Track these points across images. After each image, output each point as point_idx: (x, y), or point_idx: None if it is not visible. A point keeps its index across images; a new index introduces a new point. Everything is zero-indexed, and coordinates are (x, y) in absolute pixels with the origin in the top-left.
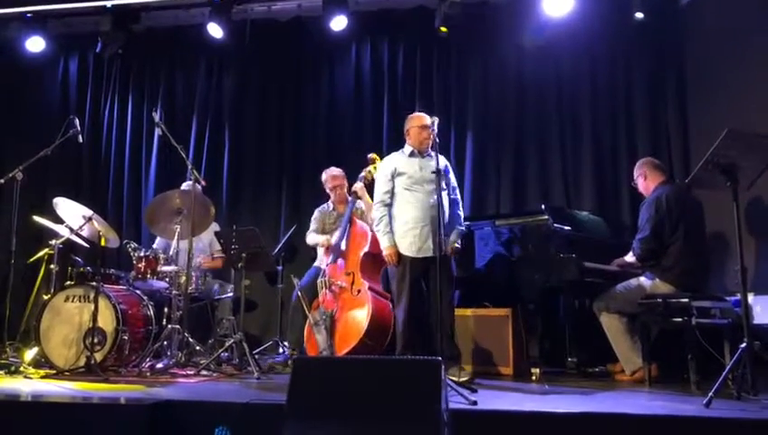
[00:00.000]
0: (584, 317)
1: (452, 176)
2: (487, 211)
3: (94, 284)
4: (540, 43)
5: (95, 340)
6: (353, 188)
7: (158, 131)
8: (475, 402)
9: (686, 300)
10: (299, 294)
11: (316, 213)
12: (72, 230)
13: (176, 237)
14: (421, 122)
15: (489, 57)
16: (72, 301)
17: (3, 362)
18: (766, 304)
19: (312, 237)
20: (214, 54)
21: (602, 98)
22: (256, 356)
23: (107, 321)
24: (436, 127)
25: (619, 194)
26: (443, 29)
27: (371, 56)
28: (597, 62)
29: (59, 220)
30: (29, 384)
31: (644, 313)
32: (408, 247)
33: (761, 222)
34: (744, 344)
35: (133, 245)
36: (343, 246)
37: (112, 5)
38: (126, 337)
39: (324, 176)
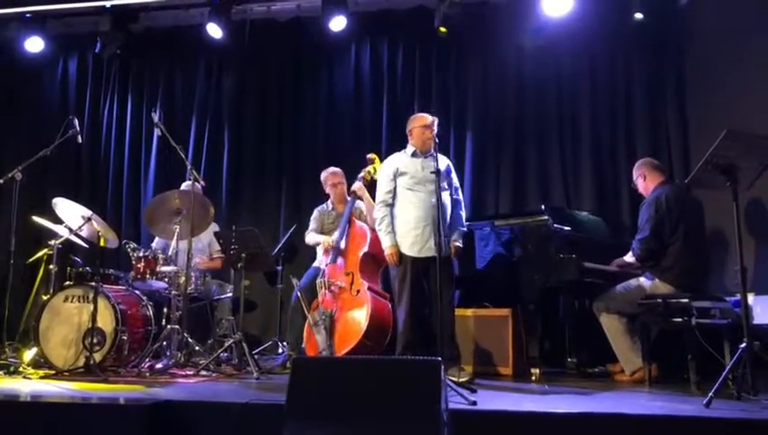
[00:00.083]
0: (584, 317)
1: (454, 176)
2: (487, 211)
3: (93, 284)
4: (539, 43)
5: (94, 340)
6: (353, 188)
7: (157, 132)
8: (474, 403)
9: (685, 300)
10: (298, 294)
11: (315, 213)
12: (71, 230)
13: (175, 238)
14: (424, 122)
15: (488, 57)
16: (72, 301)
17: (2, 362)
18: (766, 305)
19: (311, 237)
20: (213, 55)
21: (602, 98)
22: (256, 356)
23: (106, 321)
24: (435, 127)
25: (618, 194)
26: (442, 29)
27: (371, 56)
28: (596, 62)
29: (58, 220)
30: (28, 384)
31: (644, 313)
32: (409, 247)
33: (760, 222)
34: (743, 344)
35: (132, 245)
36: (342, 246)
37: (111, 6)
38: (125, 337)
39: (323, 175)
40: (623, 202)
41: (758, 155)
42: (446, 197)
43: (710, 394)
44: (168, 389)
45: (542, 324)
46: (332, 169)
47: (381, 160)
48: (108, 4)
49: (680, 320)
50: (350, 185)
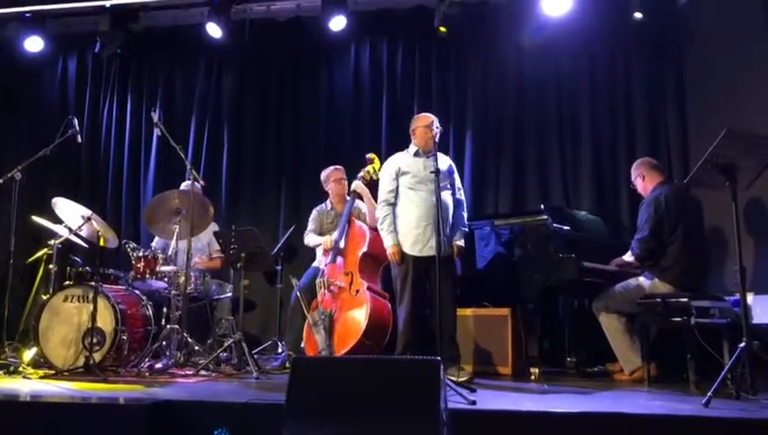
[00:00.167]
0: (583, 317)
1: (456, 177)
2: (486, 211)
3: (93, 284)
4: (539, 42)
5: (94, 340)
6: (353, 187)
7: (156, 131)
8: (474, 402)
9: (685, 300)
10: (298, 294)
11: (314, 213)
12: (70, 230)
13: (174, 237)
14: (427, 122)
15: (488, 57)
16: (71, 301)
17: (2, 362)
18: (765, 304)
19: (310, 238)
20: (213, 54)
21: (601, 98)
22: (255, 356)
23: (106, 321)
24: (434, 127)
25: (617, 194)
26: (442, 29)
27: (370, 56)
28: (596, 61)
29: (58, 220)
30: (28, 384)
31: (643, 312)
32: (410, 246)
33: (760, 222)
34: (742, 344)
35: (132, 245)
36: (342, 246)
37: (111, 5)
38: (125, 337)
39: (324, 173)
40: (622, 202)
41: (757, 154)
42: (448, 196)
43: (709, 394)
44: (168, 389)
45: (541, 324)
46: (334, 166)
47: (381, 160)
48: (107, 4)
49: (679, 319)
50: (349, 185)
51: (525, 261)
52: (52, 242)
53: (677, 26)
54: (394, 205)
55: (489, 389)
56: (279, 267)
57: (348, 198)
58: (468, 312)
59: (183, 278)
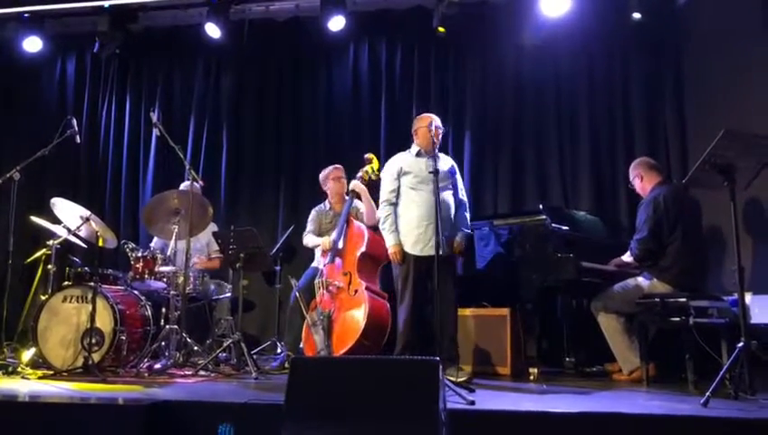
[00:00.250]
0: (582, 317)
1: (458, 177)
2: (485, 211)
3: (92, 284)
4: (537, 43)
5: (93, 340)
6: (351, 187)
7: (155, 132)
8: (472, 402)
9: (683, 300)
10: (297, 295)
11: (313, 213)
12: (69, 231)
13: (173, 238)
14: (426, 122)
15: (487, 57)
16: (70, 301)
17: (0, 362)
18: (764, 304)
19: (309, 239)
20: (212, 54)
21: (600, 98)
22: (254, 356)
23: (105, 321)
24: (433, 127)
25: (616, 194)
26: (441, 29)
27: (369, 56)
28: (594, 62)
29: (56, 221)
30: (27, 385)
31: (642, 312)
32: (412, 246)
33: (758, 222)
34: (741, 344)
35: (131, 245)
36: (340, 246)
37: (110, 5)
38: (124, 337)
39: (323, 173)
40: (621, 202)
41: (756, 154)
42: (449, 197)
43: (707, 394)
44: (167, 389)
45: (540, 324)
46: (333, 165)
47: (379, 160)
48: (106, 4)
49: (678, 319)
50: (348, 185)
51: (524, 261)
52: (50, 242)
53: (676, 26)
54: (396, 205)
55: (488, 389)
56: (278, 268)
57: (346, 197)
58: (467, 312)
59: (182, 278)
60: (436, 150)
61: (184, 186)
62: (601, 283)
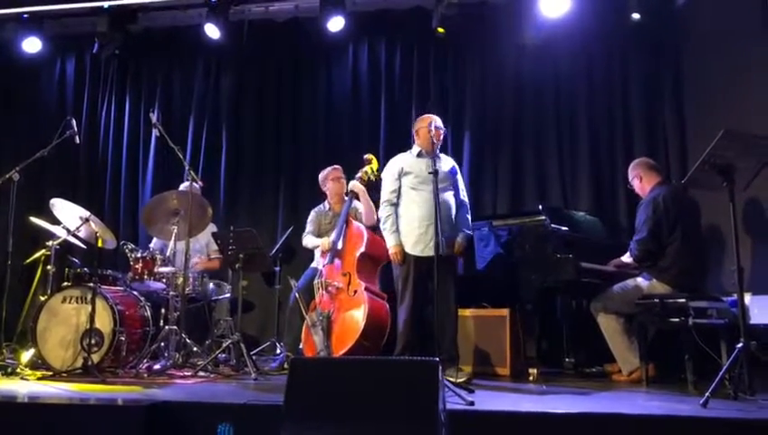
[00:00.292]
0: (581, 317)
1: (460, 178)
2: (485, 212)
3: (91, 285)
4: (537, 43)
5: (92, 341)
6: (350, 187)
7: (155, 132)
8: (472, 403)
9: (683, 300)
10: (296, 296)
11: (312, 214)
12: (68, 231)
13: (173, 238)
14: (426, 123)
15: (486, 58)
16: (69, 302)
17: (0, 363)
18: (763, 305)
19: (308, 240)
20: (211, 55)
21: (599, 98)
22: (254, 357)
23: (104, 322)
24: (433, 128)
25: (615, 194)
26: (440, 29)
27: (369, 57)
28: (594, 62)
29: (56, 221)
30: (26, 386)
31: (641, 313)
32: (412, 246)
33: (757, 222)
34: (740, 344)
35: (130, 246)
36: (339, 247)
37: (109, 6)
38: (123, 338)
39: (322, 173)
40: (620, 202)
41: (755, 155)
42: (450, 197)
43: (707, 394)
44: (166, 390)
45: (539, 325)
46: (332, 166)
47: (379, 160)
48: (105, 5)
49: (677, 320)
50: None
51: (524, 262)
52: (50, 243)
53: (675, 27)
54: (396, 205)
55: (487, 389)
56: (277, 268)
57: (346, 198)
58: (467, 312)
59: (181, 279)
60: (437, 151)
61: (183, 186)
62: (601, 283)
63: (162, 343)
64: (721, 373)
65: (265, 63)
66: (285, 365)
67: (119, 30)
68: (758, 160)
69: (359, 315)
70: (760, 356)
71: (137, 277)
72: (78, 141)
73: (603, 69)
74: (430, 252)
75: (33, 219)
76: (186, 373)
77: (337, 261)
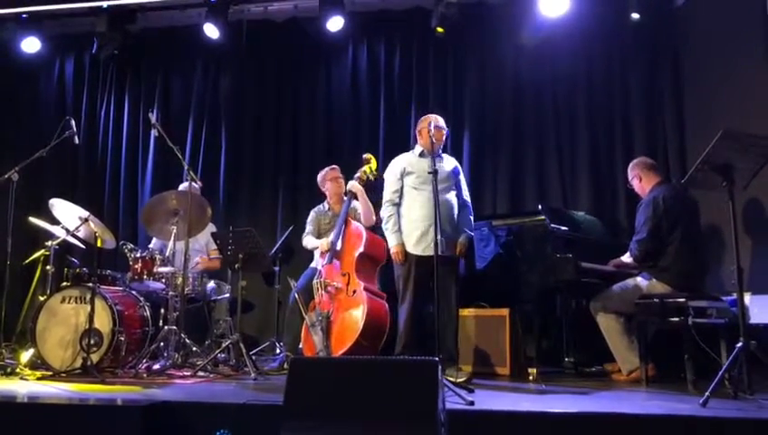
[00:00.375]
0: (581, 317)
1: (462, 178)
2: (484, 211)
3: (90, 285)
4: (536, 43)
5: (91, 341)
6: (348, 187)
7: (154, 132)
8: (472, 403)
9: (682, 300)
10: (296, 296)
11: (312, 214)
12: (68, 231)
13: (172, 238)
14: (426, 123)
15: (485, 58)
16: (69, 302)
17: None
18: (763, 304)
19: (308, 241)
20: (210, 55)
21: (599, 98)
22: (253, 357)
23: (103, 322)
24: (432, 127)
25: (615, 194)
26: (439, 29)
27: (368, 57)
28: (593, 62)
29: (55, 221)
30: (25, 386)
31: (641, 313)
32: (414, 246)
33: (757, 222)
34: (740, 344)
35: (129, 246)
36: (338, 247)
37: (108, 6)
38: (122, 338)
39: (320, 175)
40: (620, 202)
41: (754, 154)
42: (452, 198)
43: (707, 394)
44: (166, 390)
45: (539, 324)
46: (329, 166)
47: (378, 160)
48: (105, 5)
49: (677, 319)
50: (347, 185)
51: (523, 261)
52: (49, 243)
53: (674, 27)
54: (399, 205)
55: (487, 389)
56: (277, 268)
57: (345, 198)
58: (467, 312)
59: (180, 279)
60: (439, 151)
61: (183, 186)
62: (600, 283)
63: (161, 343)
64: (721, 373)
65: (265, 63)
66: (285, 365)
67: (118, 30)
68: (757, 160)
69: (358, 315)
70: (760, 356)
71: (136, 277)
72: (77, 141)
73: (603, 69)
74: (431, 252)
75: (33, 219)
76: (185, 373)
77: (336, 261)
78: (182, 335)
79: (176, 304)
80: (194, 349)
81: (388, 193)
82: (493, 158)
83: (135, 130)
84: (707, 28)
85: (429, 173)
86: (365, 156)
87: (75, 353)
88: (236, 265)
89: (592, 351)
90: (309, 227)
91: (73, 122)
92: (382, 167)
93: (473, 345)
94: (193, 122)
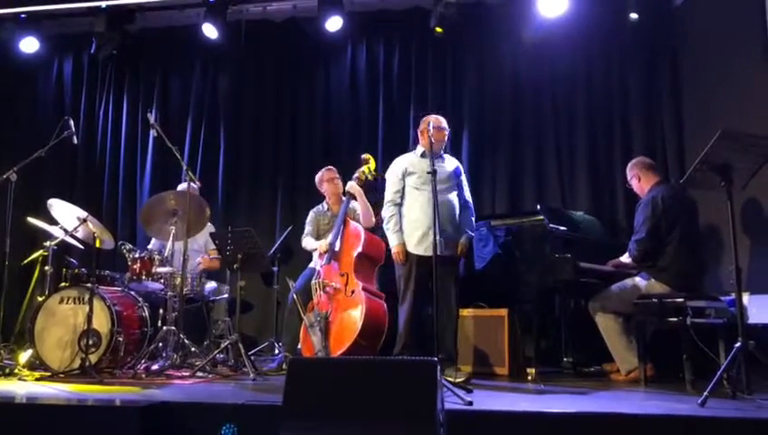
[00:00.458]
0: (580, 317)
1: (464, 179)
2: (483, 211)
3: (89, 285)
4: (535, 43)
5: (90, 342)
6: (347, 188)
7: (152, 132)
8: (470, 403)
9: (681, 300)
10: (294, 296)
11: (311, 214)
12: (66, 232)
13: (171, 239)
14: (425, 124)
15: (484, 57)
16: (67, 302)
17: None
18: (761, 304)
19: (307, 241)
20: (209, 55)
21: (597, 98)
22: (252, 357)
23: (102, 322)
24: (432, 127)
25: (614, 194)
26: (438, 29)
27: (367, 57)
28: (592, 62)
29: (53, 222)
30: (24, 386)
31: (639, 313)
32: (414, 246)
33: (755, 222)
34: (738, 344)
35: (128, 246)
36: (337, 247)
37: (107, 6)
38: (121, 339)
39: (317, 177)
40: (619, 202)
41: (753, 154)
42: (454, 198)
43: (705, 393)
44: (164, 390)
45: (538, 324)
46: (325, 167)
47: (377, 161)
48: (103, 5)
49: (675, 319)
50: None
51: (522, 261)
52: (47, 244)
53: (673, 27)
54: (400, 205)
55: (486, 389)
56: (275, 269)
57: (343, 198)
58: (466, 312)
59: (179, 279)
60: (441, 151)
61: (181, 187)
62: (599, 283)
63: (160, 344)
64: (719, 373)
65: (263, 63)
66: (284, 365)
67: (116, 30)
68: (756, 160)
69: (356, 315)
70: (758, 356)
71: (135, 278)
72: (76, 142)
73: (601, 68)
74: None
75: (31, 220)
76: (184, 374)
77: (334, 262)
78: (181, 336)
79: (174, 305)
80: (192, 349)
81: (389, 193)
82: (491, 158)
83: (134, 131)
84: (706, 28)
85: (428, 173)
86: (364, 156)
87: (74, 354)
88: (235, 266)
89: (591, 351)
90: (308, 228)
91: (72, 122)
92: (381, 167)
93: (471, 345)
94: (192, 122)
